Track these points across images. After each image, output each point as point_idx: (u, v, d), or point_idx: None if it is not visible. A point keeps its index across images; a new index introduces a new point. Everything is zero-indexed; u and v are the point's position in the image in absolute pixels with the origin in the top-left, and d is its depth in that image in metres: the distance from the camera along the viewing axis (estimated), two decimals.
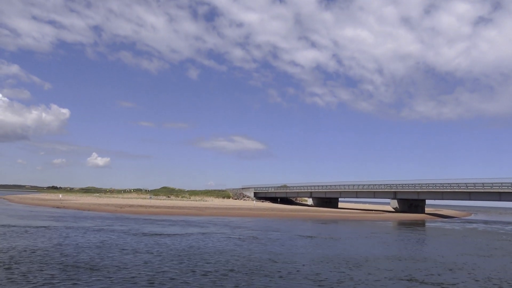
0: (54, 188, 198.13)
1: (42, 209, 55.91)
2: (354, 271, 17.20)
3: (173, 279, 14.51)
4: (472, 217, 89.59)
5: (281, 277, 15.54)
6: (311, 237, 30.47)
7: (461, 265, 19.98)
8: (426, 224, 56.29)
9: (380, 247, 26.72)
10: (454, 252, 25.57)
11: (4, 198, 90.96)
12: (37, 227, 29.81)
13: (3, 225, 29.83)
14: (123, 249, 20.74)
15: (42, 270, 15.03)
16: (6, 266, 15.44)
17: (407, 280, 15.88)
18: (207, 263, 17.81)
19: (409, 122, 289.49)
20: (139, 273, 15.13)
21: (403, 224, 53.42)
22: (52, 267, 15.61)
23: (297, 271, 16.79)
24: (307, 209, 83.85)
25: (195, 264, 17.36)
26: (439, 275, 17.20)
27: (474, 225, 57.79)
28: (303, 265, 18.28)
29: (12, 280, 13.45)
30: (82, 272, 14.94)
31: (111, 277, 14.34)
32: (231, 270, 16.36)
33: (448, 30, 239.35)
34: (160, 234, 27.92)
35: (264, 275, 15.78)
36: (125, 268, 16.04)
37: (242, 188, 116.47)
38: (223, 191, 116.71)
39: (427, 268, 18.70)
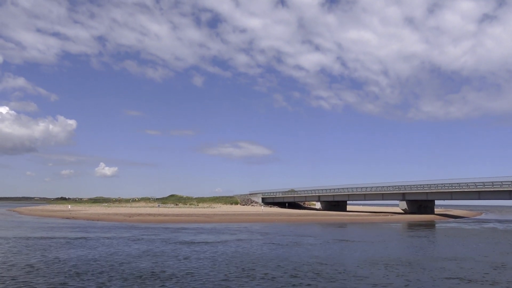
0: (63, 199, 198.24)
1: (54, 220, 56.13)
2: (411, 273, 17.81)
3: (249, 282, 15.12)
4: (483, 216, 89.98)
5: (344, 279, 16.16)
6: (347, 240, 31.06)
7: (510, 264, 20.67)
8: (443, 225, 56.91)
9: (416, 248, 27.32)
10: (494, 251, 26.24)
11: (14, 211, 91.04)
12: (76, 238, 30.27)
13: (40, 237, 30.27)
14: (176, 257, 21.30)
15: (125, 279, 15.62)
16: (85, 277, 16.03)
17: (467, 280, 16.45)
18: (267, 268, 18.38)
19: (416, 122, 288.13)
20: (212, 279, 15.74)
21: (418, 225, 54.02)
22: (128, 277, 16.17)
23: (355, 274, 17.40)
24: (316, 213, 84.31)
25: (253, 269, 17.93)
26: (495, 274, 17.84)
27: (491, 225, 58.38)
28: (357, 266, 18.93)
29: None
30: (162, 280, 15.51)
31: (191, 284, 14.95)
32: (295, 276, 16.93)
33: (452, 29, 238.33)
34: (198, 242, 28.42)
35: (329, 278, 16.38)
36: (195, 274, 16.63)
37: (250, 194, 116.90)
38: (231, 197, 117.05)
39: (477, 268, 19.33)
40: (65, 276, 16.12)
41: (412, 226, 52.59)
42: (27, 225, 46.19)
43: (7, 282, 15.08)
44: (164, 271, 17.32)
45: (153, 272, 17.21)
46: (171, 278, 15.98)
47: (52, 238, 30.45)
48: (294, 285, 15.10)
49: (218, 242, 28.86)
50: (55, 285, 14.74)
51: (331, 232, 41.21)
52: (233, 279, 15.95)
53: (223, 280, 15.83)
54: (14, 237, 30.63)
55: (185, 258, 20.99)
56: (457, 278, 16.72)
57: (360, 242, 30.49)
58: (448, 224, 57.20)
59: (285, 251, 24.38)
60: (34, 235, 32.38)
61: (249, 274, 16.97)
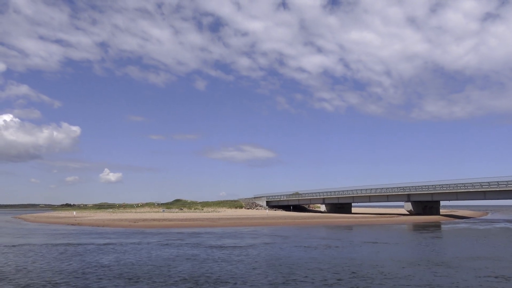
0: (68, 206, 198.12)
1: (61, 227, 56.11)
2: (455, 272, 18.28)
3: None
4: (489, 216, 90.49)
5: (385, 278, 16.60)
6: (375, 242, 31.47)
7: None
8: (453, 225, 57.47)
9: (443, 249, 27.82)
10: None
11: (19, 218, 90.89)
12: (104, 244, 30.51)
13: (67, 244, 30.50)
14: (215, 261, 21.65)
15: (179, 283, 15.96)
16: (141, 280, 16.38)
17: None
18: (314, 270, 18.79)
19: (420, 122, 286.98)
20: (264, 282, 16.14)
21: (428, 226, 54.56)
22: (181, 281, 16.52)
23: (397, 274, 17.84)
24: (322, 215, 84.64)
25: (294, 273, 18.32)
26: None
27: (502, 225, 58.88)
28: (403, 267, 19.39)
29: None
30: (215, 284, 15.87)
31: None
32: (340, 280, 17.36)
33: (455, 28, 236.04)
34: (227, 246, 28.74)
35: (379, 279, 16.82)
36: (246, 277, 17.01)
37: (254, 198, 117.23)
38: (235, 201, 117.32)
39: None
40: (120, 280, 16.48)
41: (422, 227, 53.08)
42: (38, 232, 46.26)
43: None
44: (211, 275, 17.67)
45: (202, 275, 17.55)
46: (228, 282, 16.33)
47: (79, 244, 30.66)
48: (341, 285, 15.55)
49: (247, 246, 29.14)
50: None
51: (350, 234, 41.66)
52: (290, 282, 16.31)
53: (282, 283, 16.18)
54: (40, 244, 30.80)
55: (224, 261, 21.35)
56: (500, 276, 17.20)
57: (386, 244, 30.93)
58: (459, 225, 57.76)
59: (320, 254, 24.75)
60: (59, 242, 32.57)
61: (305, 278, 17.36)
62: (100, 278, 17.05)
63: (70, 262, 21.44)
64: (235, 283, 15.98)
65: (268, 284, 15.92)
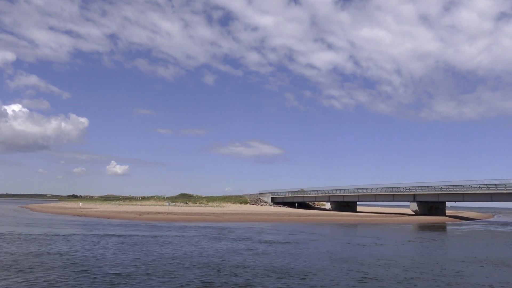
0: (74, 197, 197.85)
1: (72, 218, 56.24)
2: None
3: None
4: (496, 219, 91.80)
5: (457, 275, 17.52)
6: (412, 241, 32.51)
7: None
8: (464, 227, 58.77)
9: (479, 249, 28.88)
10: None
11: (26, 207, 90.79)
12: (152, 236, 31.05)
13: (113, 235, 30.95)
14: (278, 255, 22.36)
15: (267, 275, 16.63)
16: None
17: None
18: (380, 267, 19.67)
19: (429, 123, 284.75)
20: (341, 276, 16.96)
21: (437, 227, 55.80)
22: (267, 273, 17.18)
23: (463, 273, 18.75)
24: (326, 213, 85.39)
25: (366, 269, 19.20)
26: None
27: None
28: (462, 264, 20.32)
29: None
30: (298, 276, 16.58)
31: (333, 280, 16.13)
32: (418, 277, 18.25)
33: (468, 27, 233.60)
34: (274, 242, 29.58)
35: (446, 276, 17.72)
36: (325, 271, 17.75)
37: (260, 194, 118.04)
38: (240, 196, 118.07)
39: None
40: (207, 269, 17.09)
41: (433, 228, 54.23)
42: (53, 222, 46.58)
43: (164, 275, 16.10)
44: (291, 268, 18.39)
45: (283, 267, 18.24)
46: (314, 273, 17.09)
47: (125, 235, 31.05)
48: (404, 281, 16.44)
49: (290, 242, 29.93)
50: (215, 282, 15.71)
51: (383, 232, 42.72)
52: (367, 281, 17.12)
53: (370, 279, 16.98)
54: (83, 234, 31.24)
55: (288, 256, 22.09)
56: None
57: (424, 241, 31.95)
58: (470, 226, 59.07)
59: (373, 251, 25.70)
60: (100, 233, 32.91)
61: (382, 274, 18.18)
62: (186, 267, 17.75)
63: (139, 253, 21.99)
64: (315, 274, 16.76)
65: (352, 280, 16.57)
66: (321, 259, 21.51)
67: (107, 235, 31.27)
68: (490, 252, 26.72)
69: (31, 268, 17.07)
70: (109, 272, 16.58)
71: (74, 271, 16.44)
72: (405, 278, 16.82)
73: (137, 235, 31.37)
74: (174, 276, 16.09)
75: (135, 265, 18.34)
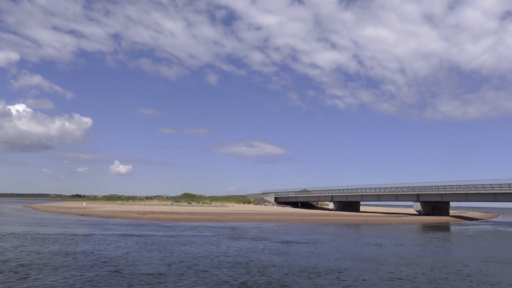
0: (78, 196, 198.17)
1: (75, 217, 56.28)
2: None
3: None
4: (500, 219, 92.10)
5: (485, 275, 17.79)
6: (430, 241, 32.76)
7: None
8: (472, 227, 59.13)
9: (489, 248, 29.22)
10: None
11: (30, 207, 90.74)
12: (162, 236, 31.21)
13: (122, 235, 31.14)
14: (302, 256, 22.60)
15: (305, 274, 16.83)
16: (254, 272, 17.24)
17: None
18: (400, 265, 19.91)
19: (433, 122, 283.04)
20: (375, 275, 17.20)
21: (447, 227, 56.10)
22: (305, 272, 17.39)
23: (490, 272, 19.03)
24: (330, 213, 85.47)
25: (390, 269, 19.46)
26: None
27: None
28: (485, 264, 20.61)
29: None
30: (335, 274, 16.79)
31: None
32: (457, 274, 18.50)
33: (473, 26, 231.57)
34: (293, 242, 29.79)
35: (476, 276, 17.98)
36: (353, 269, 17.99)
37: (263, 193, 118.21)
38: (243, 196, 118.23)
39: None
40: (233, 269, 17.26)
41: (441, 228, 54.54)
42: (61, 221, 46.68)
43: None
44: (318, 267, 18.60)
45: (315, 267, 18.45)
46: (335, 274, 17.32)
47: (143, 235, 31.21)
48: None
49: (308, 242, 30.15)
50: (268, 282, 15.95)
51: (393, 232, 42.98)
52: (396, 281, 17.33)
53: (389, 280, 17.23)
54: (100, 234, 31.32)
55: (306, 256, 22.34)
56: None
57: (440, 242, 32.22)
58: (478, 226, 59.44)
59: (393, 250, 25.96)
60: (115, 232, 33.07)
61: (405, 273, 18.40)
62: (216, 267, 17.93)
63: (165, 252, 22.15)
64: (342, 273, 16.99)
65: (382, 280, 16.78)
66: (344, 258, 21.73)
67: (125, 235, 31.43)
68: (508, 251, 27.02)
69: (66, 266, 17.25)
70: (142, 272, 16.73)
71: (107, 271, 16.58)
72: (435, 278, 17.02)
73: (154, 235, 31.53)
74: (205, 276, 16.22)
75: (165, 264, 18.52)
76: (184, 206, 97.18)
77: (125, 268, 17.41)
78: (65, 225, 40.90)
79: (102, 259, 19.35)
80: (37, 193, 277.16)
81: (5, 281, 14.33)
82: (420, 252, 25.77)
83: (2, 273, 15.69)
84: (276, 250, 24.24)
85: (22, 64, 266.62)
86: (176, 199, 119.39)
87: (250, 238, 31.24)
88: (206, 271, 17.30)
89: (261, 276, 16.55)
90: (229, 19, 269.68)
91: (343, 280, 16.15)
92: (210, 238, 30.34)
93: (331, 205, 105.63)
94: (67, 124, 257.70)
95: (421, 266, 19.72)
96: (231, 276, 16.39)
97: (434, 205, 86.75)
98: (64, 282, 14.44)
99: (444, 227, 53.41)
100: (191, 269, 17.63)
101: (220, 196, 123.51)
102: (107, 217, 55.52)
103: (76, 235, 30.56)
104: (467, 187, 78.16)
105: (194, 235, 32.15)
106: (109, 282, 14.66)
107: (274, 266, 18.77)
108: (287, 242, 29.14)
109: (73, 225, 41.97)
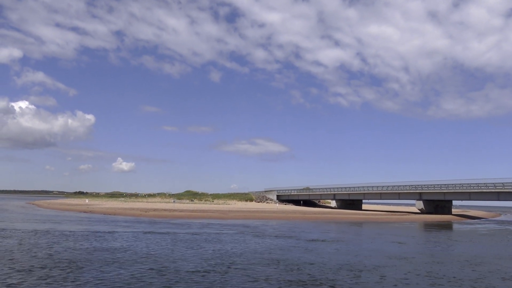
0: (80, 193, 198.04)
1: (78, 214, 56.24)
2: None
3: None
4: (503, 218, 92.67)
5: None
6: (453, 240, 33.25)
7: None
8: (478, 225, 59.82)
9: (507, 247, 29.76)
10: None
11: (33, 204, 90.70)
12: (186, 233, 31.42)
13: (146, 232, 31.29)
14: (331, 254, 22.99)
15: (349, 270, 17.15)
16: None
17: None
18: (433, 264, 20.31)
19: (436, 120, 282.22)
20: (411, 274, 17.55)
21: (449, 226, 56.62)
22: (346, 269, 17.73)
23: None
24: (332, 211, 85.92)
25: (425, 268, 19.84)
26: None
27: None
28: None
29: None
30: (371, 271, 17.13)
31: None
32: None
33: (477, 24, 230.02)
34: (318, 240, 30.14)
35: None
36: (390, 267, 18.36)
37: (265, 191, 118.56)
38: (246, 194, 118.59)
39: None
40: (270, 266, 17.56)
41: (446, 226, 55.09)
42: (69, 219, 46.78)
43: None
44: (353, 264, 18.94)
45: (347, 264, 18.78)
46: (371, 271, 17.66)
47: (166, 233, 31.39)
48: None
49: (333, 240, 30.45)
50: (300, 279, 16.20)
51: (409, 231, 43.46)
52: (435, 279, 17.68)
53: (425, 276, 17.61)
54: (122, 231, 31.44)
55: (336, 254, 22.71)
56: None
57: (462, 242, 32.72)
58: (485, 225, 60.11)
59: (412, 249, 26.42)
60: (137, 230, 33.26)
61: (435, 272, 18.76)
62: (252, 264, 18.18)
63: (194, 249, 22.38)
64: (377, 270, 17.32)
65: (420, 277, 17.07)
66: (374, 256, 22.08)
67: (148, 232, 31.63)
68: None
69: (115, 262, 17.47)
70: (186, 269, 16.96)
71: (152, 268, 16.77)
72: (479, 277, 17.43)
73: (176, 233, 31.77)
74: (249, 274, 16.44)
75: (205, 262, 18.78)
76: (187, 203, 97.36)
77: (169, 264, 17.67)
78: (81, 223, 41.08)
79: (140, 255, 19.62)
80: (40, 190, 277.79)
81: (64, 276, 14.53)
82: (450, 250, 26.20)
83: (57, 267, 15.93)
84: (305, 248, 24.56)
85: (25, 61, 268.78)
86: (179, 196, 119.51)
87: (275, 236, 31.60)
88: (247, 269, 17.55)
89: (299, 274, 16.76)
90: (232, 16, 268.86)
91: (384, 278, 16.49)
92: (233, 236, 30.62)
93: (333, 203, 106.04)
94: (70, 121, 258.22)
95: (454, 264, 20.11)
96: (274, 273, 16.65)
97: (437, 203, 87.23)
98: (114, 273, 14.68)
99: (450, 226, 54.01)
100: (232, 266, 17.90)
101: (223, 194, 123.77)
102: (109, 214, 55.56)
103: (101, 232, 30.76)
104: (470, 186, 78.51)
105: (217, 233, 32.41)
106: (162, 277, 14.91)
107: (311, 263, 19.07)
108: (312, 240, 29.45)
109: (84, 222, 42.11)
